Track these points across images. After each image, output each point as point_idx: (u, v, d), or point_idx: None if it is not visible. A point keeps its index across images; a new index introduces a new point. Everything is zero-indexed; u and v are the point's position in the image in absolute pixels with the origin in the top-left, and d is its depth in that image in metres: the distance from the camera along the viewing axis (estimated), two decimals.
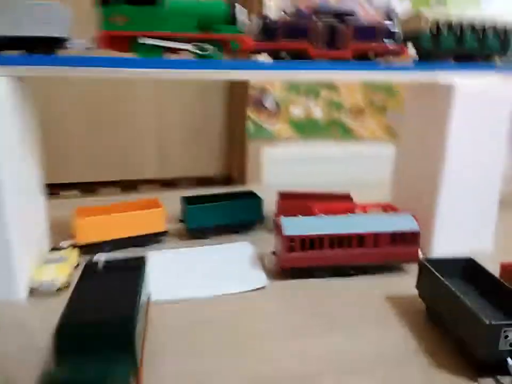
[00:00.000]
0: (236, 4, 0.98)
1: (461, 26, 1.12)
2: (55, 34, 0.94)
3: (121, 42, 0.95)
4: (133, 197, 1.76)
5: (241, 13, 0.98)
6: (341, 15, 1.05)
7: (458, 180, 1.12)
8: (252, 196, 1.45)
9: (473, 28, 1.13)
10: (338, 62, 1.07)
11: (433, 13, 1.11)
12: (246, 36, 0.98)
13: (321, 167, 2.03)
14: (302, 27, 1.03)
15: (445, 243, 1.19)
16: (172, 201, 1.40)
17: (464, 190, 1.14)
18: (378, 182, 1.60)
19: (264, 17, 1.03)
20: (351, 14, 1.06)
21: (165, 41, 0.96)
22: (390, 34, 1.08)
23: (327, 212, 1.19)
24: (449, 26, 1.11)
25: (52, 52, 0.96)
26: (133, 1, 0.93)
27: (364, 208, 1.30)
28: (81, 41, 0.98)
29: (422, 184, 1.20)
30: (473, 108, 1.05)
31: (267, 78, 1.07)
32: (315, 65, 1.06)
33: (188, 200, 1.36)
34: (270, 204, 1.45)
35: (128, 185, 1.96)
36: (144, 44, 0.95)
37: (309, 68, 1.05)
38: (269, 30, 1.03)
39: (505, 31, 1.15)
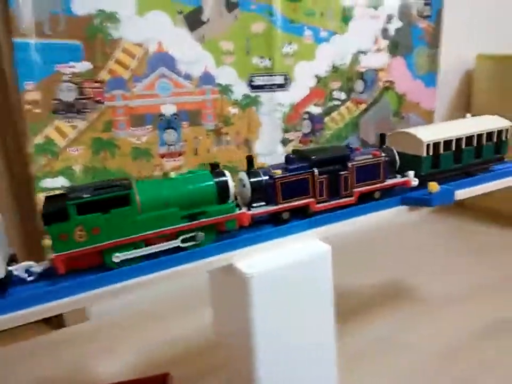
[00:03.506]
0: (223, 175, 0.80)
1: (457, 141, 1.06)
2: None
3: (89, 257, 0.72)
4: None
5: (231, 185, 0.81)
6: (340, 160, 0.92)
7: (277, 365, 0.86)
8: None
9: (469, 139, 1.08)
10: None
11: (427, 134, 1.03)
12: (242, 212, 0.81)
13: None
14: (303, 182, 0.88)
15: None
16: None
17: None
18: None
19: (254, 175, 0.85)
20: (348, 156, 0.93)
21: (147, 248, 0.74)
22: (393, 168, 0.99)
23: None
24: (446, 144, 1.04)
25: None
26: (93, 208, 0.69)
27: None
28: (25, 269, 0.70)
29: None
30: (277, 293, 0.82)
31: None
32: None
33: None
34: None
35: None
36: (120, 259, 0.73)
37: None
38: (264, 192, 0.85)
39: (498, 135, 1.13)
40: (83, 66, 1.24)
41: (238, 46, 1.48)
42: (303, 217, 0.89)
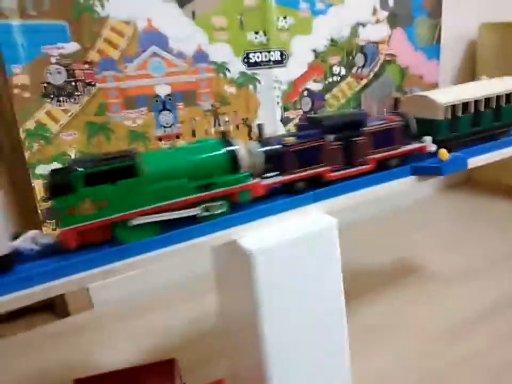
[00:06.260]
0: (234, 144, 0.76)
1: (476, 103, 1.00)
2: None
3: (97, 231, 0.68)
4: None
5: (243, 154, 0.76)
6: (354, 125, 0.86)
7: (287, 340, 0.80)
8: None
9: (487, 101, 1.01)
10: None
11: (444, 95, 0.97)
12: (256, 182, 0.77)
13: None
14: (316, 150, 0.83)
15: None
16: None
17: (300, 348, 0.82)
18: None
19: (267, 143, 0.81)
20: (363, 121, 0.88)
21: (165, 214, 0.71)
22: (409, 134, 0.93)
23: None
24: (465, 107, 0.98)
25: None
26: (100, 179, 0.66)
27: None
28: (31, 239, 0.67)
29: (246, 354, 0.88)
30: (283, 270, 0.77)
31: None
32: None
33: None
34: None
35: None
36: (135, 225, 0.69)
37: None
38: (277, 161, 0.81)
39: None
40: (71, 47, 1.20)
41: (231, 21, 1.42)
42: (316, 187, 0.84)
